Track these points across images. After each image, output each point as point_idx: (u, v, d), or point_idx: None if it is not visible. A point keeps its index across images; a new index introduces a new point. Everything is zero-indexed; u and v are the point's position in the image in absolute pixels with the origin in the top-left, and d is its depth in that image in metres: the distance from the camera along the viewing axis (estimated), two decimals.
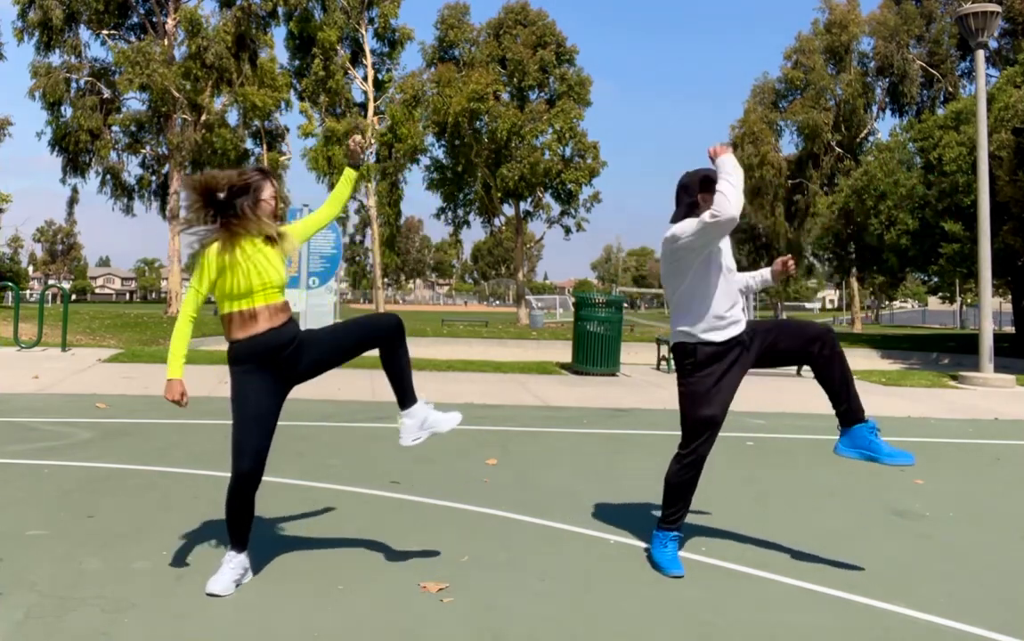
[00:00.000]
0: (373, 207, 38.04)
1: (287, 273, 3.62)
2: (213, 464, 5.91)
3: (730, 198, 3.66)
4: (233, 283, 3.46)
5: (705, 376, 3.90)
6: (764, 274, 4.50)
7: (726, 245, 4.01)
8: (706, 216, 3.73)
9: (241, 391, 3.50)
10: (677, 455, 4.03)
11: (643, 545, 4.39)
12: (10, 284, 16.48)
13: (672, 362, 14.77)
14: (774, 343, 3.98)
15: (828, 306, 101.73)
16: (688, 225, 3.86)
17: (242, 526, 3.55)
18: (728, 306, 3.93)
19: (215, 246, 3.49)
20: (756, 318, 4.76)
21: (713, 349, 3.90)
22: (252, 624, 3.21)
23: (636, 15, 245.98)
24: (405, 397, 3.72)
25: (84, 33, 33.71)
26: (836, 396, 3.94)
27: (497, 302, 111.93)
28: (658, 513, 5.03)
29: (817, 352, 3.90)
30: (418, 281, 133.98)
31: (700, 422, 3.91)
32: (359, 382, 10.79)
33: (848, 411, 3.92)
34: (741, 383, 3.99)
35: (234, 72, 33.06)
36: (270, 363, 3.50)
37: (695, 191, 3.96)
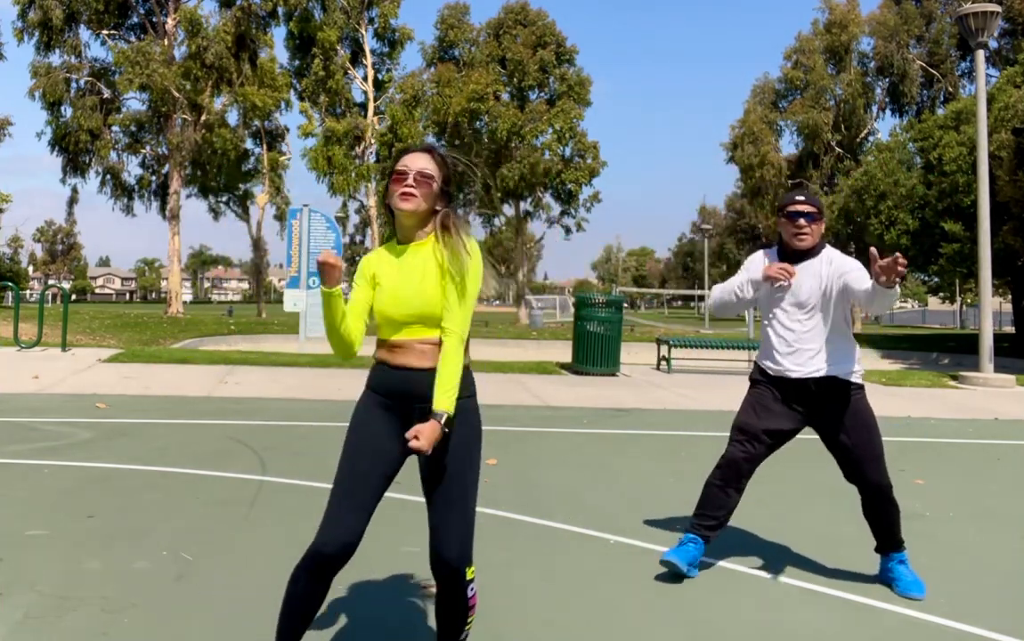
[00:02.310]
0: (373, 207, 38.05)
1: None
2: (213, 464, 5.91)
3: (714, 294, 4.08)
4: None
5: (753, 389, 4.00)
6: (868, 283, 3.69)
7: (795, 287, 3.84)
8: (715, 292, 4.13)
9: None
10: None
11: (643, 545, 4.39)
12: (10, 284, 16.47)
13: (671, 362, 14.83)
14: (833, 442, 3.84)
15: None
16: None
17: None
18: (777, 345, 3.89)
19: None
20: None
21: (763, 371, 3.95)
22: (252, 624, 3.21)
23: (636, 14, 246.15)
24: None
25: (84, 33, 33.74)
26: (872, 526, 3.97)
27: (497, 302, 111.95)
28: (658, 513, 5.04)
29: (866, 501, 3.91)
30: None
31: (734, 425, 3.96)
32: (359, 381, 10.75)
33: (879, 545, 3.97)
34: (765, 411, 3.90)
35: (234, 72, 33.06)
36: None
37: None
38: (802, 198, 3.84)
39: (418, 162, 2.54)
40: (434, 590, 3.57)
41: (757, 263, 3.97)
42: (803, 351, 3.80)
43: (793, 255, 3.84)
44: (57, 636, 3.05)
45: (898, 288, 3.52)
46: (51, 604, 3.32)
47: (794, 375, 3.81)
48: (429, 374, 2.49)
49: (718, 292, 4.08)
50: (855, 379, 3.82)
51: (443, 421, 2.42)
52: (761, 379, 3.94)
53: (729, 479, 3.88)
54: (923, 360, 21.35)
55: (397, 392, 2.55)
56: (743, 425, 3.90)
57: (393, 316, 2.53)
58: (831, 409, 3.80)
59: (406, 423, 2.51)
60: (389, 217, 2.64)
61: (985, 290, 14.56)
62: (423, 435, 2.37)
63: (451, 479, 2.52)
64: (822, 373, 3.78)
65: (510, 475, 5.99)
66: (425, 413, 2.46)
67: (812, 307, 3.80)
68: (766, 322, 3.94)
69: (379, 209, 37.67)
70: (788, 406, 3.86)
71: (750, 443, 3.86)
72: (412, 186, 2.50)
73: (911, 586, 3.79)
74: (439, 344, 2.49)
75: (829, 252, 3.86)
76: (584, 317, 13.56)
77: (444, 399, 2.43)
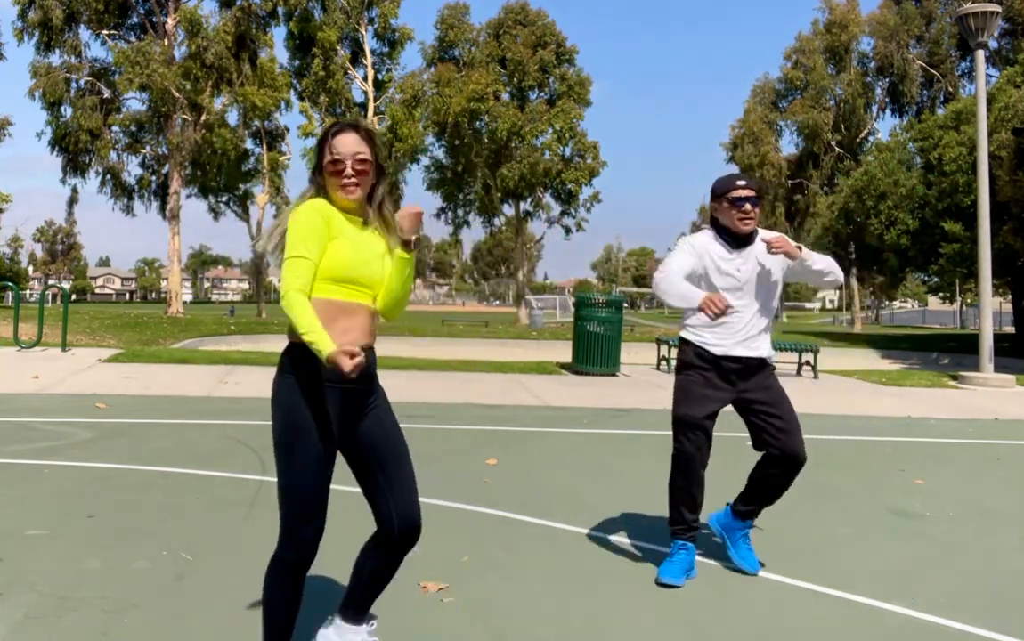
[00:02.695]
0: None
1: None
2: (213, 464, 5.91)
3: (661, 282, 3.75)
4: None
5: (691, 375, 3.87)
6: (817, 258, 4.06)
7: (741, 263, 3.81)
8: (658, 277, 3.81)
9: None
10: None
11: (643, 545, 4.39)
12: (10, 284, 16.47)
13: (672, 362, 14.82)
14: (762, 414, 3.81)
15: (828, 306, 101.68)
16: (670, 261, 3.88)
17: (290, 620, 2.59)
18: (735, 324, 3.80)
19: None
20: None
21: (704, 353, 3.83)
22: (252, 624, 3.21)
23: (636, 14, 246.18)
24: (360, 612, 2.77)
25: (84, 33, 33.73)
26: (754, 499, 3.95)
27: (497, 302, 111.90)
28: (658, 513, 5.03)
29: (780, 471, 3.84)
30: (418, 281, 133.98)
31: (680, 418, 3.85)
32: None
33: (745, 513, 4.00)
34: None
35: (234, 72, 33.06)
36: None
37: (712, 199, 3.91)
38: (744, 182, 3.78)
39: (351, 146, 2.49)
40: (433, 590, 3.58)
41: (703, 247, 3.84)
42: (743, 332, 3.79)
43: (735, 239, 3.80)
44: (57, 636, 3.05)
45: (811, 262, 3.79)
46: (51, 604, 3.32)
47: (737, 354, 3.78)
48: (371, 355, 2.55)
49: (667, 284, 3.74)
50: (774, 358, 3.96)
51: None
52: (697, 362, 3.83)
53: (691, 477, 3.84)
54: (923, 360, 21.35)
55: (359, 376, 2.35)
56: (688, 418, 3.80)
57: (357, 277, 2.49)
58: (763, 386, 3.83)
59: (349, 406, 2.53)
60: (321, 192, 2.54)
61: (985, 290, 14.56)
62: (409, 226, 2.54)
63: (396, 439, 2.64)
64: (760, 353, 3.82)
65: (510, 475, 5.99)
66: (366, 395, 2.58)
67: (754, 290, 3.81)
68: None
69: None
70: (721, 387, 3.81)
71: (696, 433, 3.80)
72: (353, 177, 2.49)
73: (751, 561, 3.95)
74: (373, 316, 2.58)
75: (762, 234, 3.88)
76: (584, 317, 13.56)
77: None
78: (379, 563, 2.69)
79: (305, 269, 2.39)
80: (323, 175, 2.52)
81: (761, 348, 3.84)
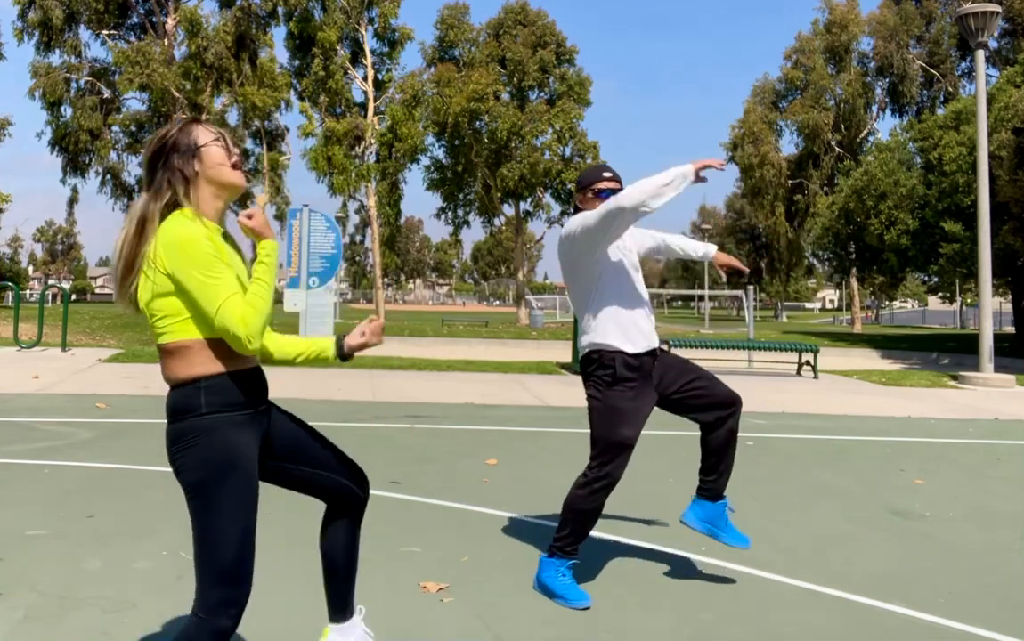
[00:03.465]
0: (373, 207, 38.03)
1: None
2: None
3: (632, 189, 3.30)
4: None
5: (625, 391, 3.53)
6: (702, 250, 4.13)
7: (631, 243, 3.74)
8: (608, 203, 3.38)
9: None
10: (587, 478, 3.64)
11: (643, 545, 4.39)
12: (10, 284, 16.47)
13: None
14: (685, 388, 3.63)
15: (828, 306, 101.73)
16: (586, 216, 3.51)
17: None
18: (645, 313, 3.64)
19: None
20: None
21: (631, 360, 3.53)
22: (252, 624, 3.21)
23: (636, 13, 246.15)
24: (347, 603, 2.71)
25: (84, 33, 33.72)
26: (714, 468, 3.73)
27: (497, 302, 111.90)
28: (658, 513, 5.03)
29: (725, 419, 3.65)
30: (418, 281, 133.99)
31: (617, 442, 3.56)
32: (359, 381, 10.78)
33: (714, 489, 3.76)
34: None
35: (234, 72, 33.06)
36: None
37: (577, 192, 3.77)
38: (610, 174, 3.66)
39: (208, 137, 2.26)
40: (433, 590, 3.58)
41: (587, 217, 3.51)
42: (650, 318, 3.67)
43: None
44: (57, 636, 3.05)
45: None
46: (51, 604, 3.32)
47: (655, 345, 3.62)
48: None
49: (640, 186, 3.28)
50: None
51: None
52: (625, 373, 3.51)
53: (604, 502, 3.67)
54: (923, 360, 21.35)
55: (256, 396, 2.28)
56: (629, 440, 3.55)
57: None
58: (666, 366, 3.67)
59: (262, 429, 2.36)
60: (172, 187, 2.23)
61: (985, 290, 14.56)
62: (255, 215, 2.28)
63: (306, 430, 2.60)
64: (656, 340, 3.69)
65: (510, 475, 5.99)
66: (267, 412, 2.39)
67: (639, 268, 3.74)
68: (614, 295, 3.55)
69: (379, 209, 37.71)
70: (649, 392, 3.59)
71: (627, 456, 3.59)
72: (239, 157, 2.30)
73: (740, 537, 3.77)
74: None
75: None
76: None
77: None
78: (348, 535, 2.66)
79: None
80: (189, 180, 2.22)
81: (655, 335, 3.69)
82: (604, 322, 3.54)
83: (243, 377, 2.21)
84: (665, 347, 3.76)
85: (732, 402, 3.65)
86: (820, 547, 4.48)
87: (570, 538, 3.66)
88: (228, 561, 2.14)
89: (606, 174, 3.65)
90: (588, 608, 3.50)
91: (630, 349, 3.52)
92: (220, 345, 2.15)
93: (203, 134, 2.24)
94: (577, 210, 3.72)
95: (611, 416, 3.54)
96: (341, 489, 2.60)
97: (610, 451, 3.56)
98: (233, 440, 2.18)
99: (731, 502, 3.83)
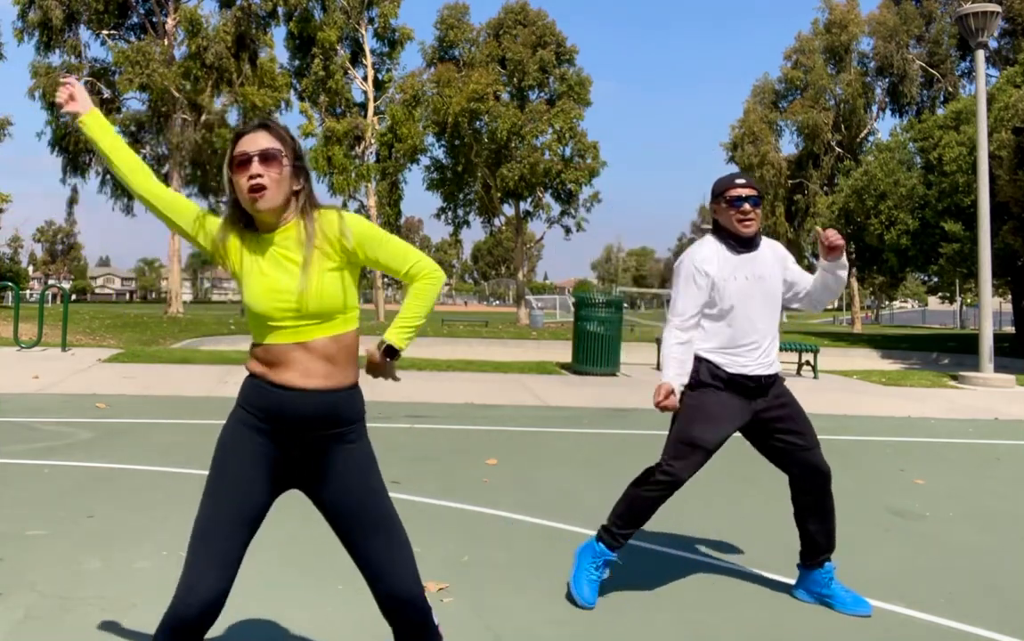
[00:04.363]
0: (373, 207, 38.04)
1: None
2: None
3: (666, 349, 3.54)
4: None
5: (708, 393, 3.53)
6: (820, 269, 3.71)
7: (770, 271, 3.59)
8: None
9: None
10: (651, 469, 3.65)
11: (643, 545, 4.39)
12: (10, 284, 16.48)
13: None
14: (780, 434, 3.57)
15: (828, 306, 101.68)
16: (676, 274, 3.63)
17: None
18: (756, 340, 3.54)
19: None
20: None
21: (720, 373, 3.52)
22: (252, 624, 3.21)
23: (637, 13, 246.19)
24: None
25: (84, 33, 33.73)
26: (814, 541, 3.63)
27: (497, 302, 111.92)
28: (657, 513, 5.02)
29: (808, 489, 3.58)
30: None
31: (685, 440, 3.54)
32: (360, 382, 10.73)
33: (808, 552, 3.67)
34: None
35: (234, 72, 33.06)
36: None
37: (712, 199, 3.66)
38: (743, 181, 3.55)
39: (258, 142, 2.15)
40: (433, 590, 3.57)
41: (704, 267, 3.52)
42: (762, 346, 3.53)
43: (738, 242, 3.54)
44: (57, 636, 3.05)
45: (844, 272, 3.53)
46: (51, 604, 3.32)
47: (757, 373, 3.52)
48: (317, 396, 2.14)
49: (666, 351, 3.56)
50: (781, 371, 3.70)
51: (385, 352, 2.20)
52: (710, 381, 3.52)
53: (665, 495, 3.58)
54: (923, 360, 21.35)
55: (275, 415, 2.14)
56: (699, 440, 3.49)
57: (270, 312, 2.13)
58: (779, 402, 3.58)
59: (284, 455, 2.19)
60: (236, 214, 2.20)
61: (985, 290, 14.56)
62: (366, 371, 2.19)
63: (373, 500, 2.22)
64: (775, 369, 3.58)
65: (510, 475, 5.99)
66: (313, 443, 2.18)
67: (763, 298, 3.54)
68: (722, 314, 3.52)
69: (379, 209, 37.70)
70: (737, 410, 3.52)
71: (699, 459, 3.52)
72: (260, 175, 2.11)
73: (857, 602, 3.56)
74: (332, 353, 2.16)
75: (765, 239, 3.66)
76: (584, 317, 13.56)
77: (395, 330, 2.20)
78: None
79: None
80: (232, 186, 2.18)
81: (774, 363, 3.58)
82: (706, 334, 3.56)
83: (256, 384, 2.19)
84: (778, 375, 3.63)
85: (822, 477, 3.57)
86: None
87: (618, 524, 3.62)
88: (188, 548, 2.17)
89: (738, 182, 3.56)
90: (588, 608, 3.49)
91: (725, 365, 3.52)
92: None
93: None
94: (714, 222, 3.62)
95: (688, 413, 3.54)
96: (376, 578, 2.23)
97: (679, 447, 3.55)
98: (224, 438, 2.22)
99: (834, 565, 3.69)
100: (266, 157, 2.13)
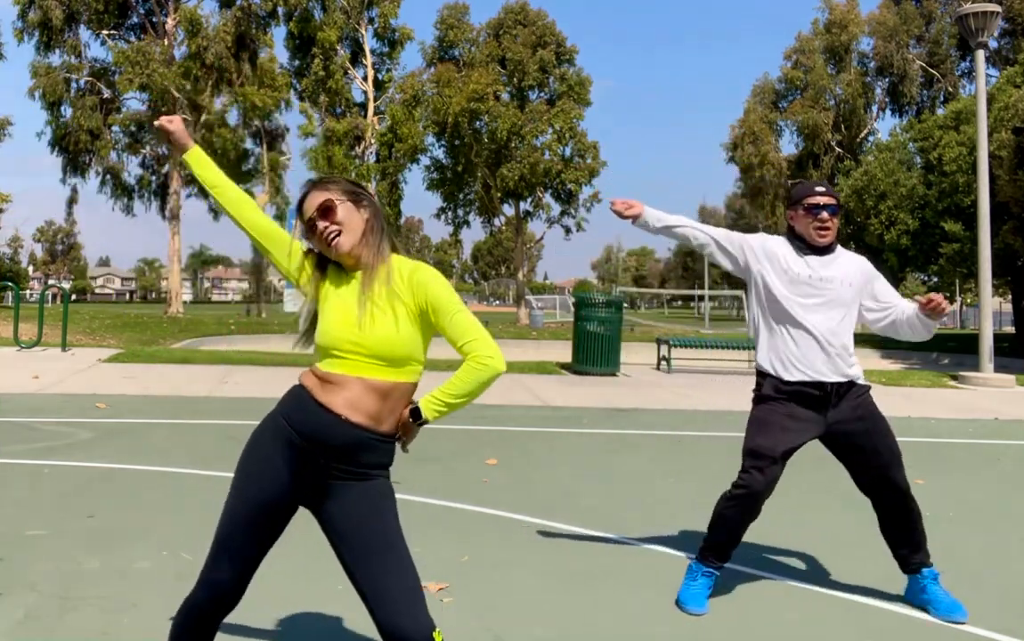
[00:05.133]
0: None
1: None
2: (213, 464, 5.91)
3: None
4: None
5: (770, 406, 3.55)
6: (910, 310, 3.63)
7: (833, 274, 3.55)
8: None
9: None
10: (731, 485, 3.64)
11: (643, 545, 4.39)
12: (10, 284, 16.48)
13: (671, 362, 14.83)
14: (856, 450, 3.56)
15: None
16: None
17: None
18: (816, 346, 3.50)
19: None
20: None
21: (781, 386, 3.52)
22: (252, 624, 3.21)
23: (637, 13, 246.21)
24: None
25: (84, 33, 33.74)
26: (891, 541, 3.65)
27: (497, 302, 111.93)
28: (658, 513, 5.03)
29: (891, 506, 3.58)
30: None
31: (750, 450, 3.55)
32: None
33: (903, 561, 3.65)
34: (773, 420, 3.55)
35: (234, 72, 33.06)
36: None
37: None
38: (823, 188, 3.54)
39: (314, 201, 2.26)
40: (433, 590, 3.58)
41: (764, 246, 3.62)
42: (828, 352, 3.48)
43: (810, 250, 3.54)
44: (57, 636, 3.06)
45: (934, 326, 3.54)
46: (51, 604, 3.32)
47: (820, 379, 3.47)
48: (355, 430, 2.16)
49: (692, 229, 3.71)
50: (863, 380, 3.60)
51: (411, 414, 2.22)
52: (775, 395, 3.53)
53: (748, 507, 3.52)
54: (923, 360, 21.34)
55: (309, 434, 2.17)
56: (763, 450, 3.48)
57: (338, 343, 2.19)
58: (855, 415, 3.53)
59: (310, 472, 2.20)
60: (319, 272, 2.33)
61: (985, 290, 14.55)
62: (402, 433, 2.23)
63: (383, 532, 2.22)
64: (846, 375, 3.52)
65: (510, 475, 5.99)
66: (337, 472, 2.19)
67: (832, 303, 3.50)
68: (786, 322, 3.53)
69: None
70: (806, 418, 3.50)
71: (771, 469, 3.48)
72: (329, 225, 2.22)
73: (951, 608, 3.50)
74: (384, 396, 2.19)
75: (845, 251, 3.65)
76: (584, 317, 13.56)
77: (429, 398, 2.22)
78: None
79: None
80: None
81: (847, 369, 3.52)
82: (763, 346, 3.62)
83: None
84: (856, 385, 3.56)
85: (898, 493, 3.55)
86: (820, 547, 4.48)
87: (710, 547, 3.63)
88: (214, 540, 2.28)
89: (818, 190, 3.55)
90: (700, 614, 3.47)
91: (784, 376, 3.52)
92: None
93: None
94: (789, 228, 3.64)
95: (752, 425, 3.59)
96: (378, 610, 2.21)
97: (745, 459, 3.54)
98: (256, 436, 2.28)
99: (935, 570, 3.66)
100: (324, 211, 2.23)
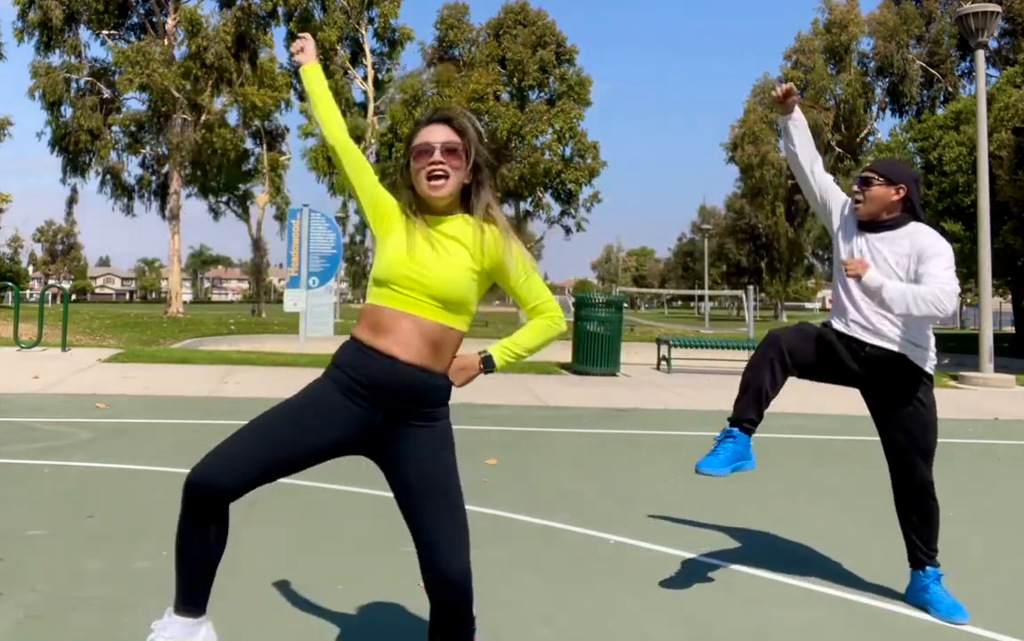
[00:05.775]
0: None
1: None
2: None
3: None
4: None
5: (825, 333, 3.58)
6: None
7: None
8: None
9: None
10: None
11: (643, 545, 4.39)
12: (10, 284, 16.48)
13: (671, 362, 14.81)
14: (885, 426, 3.59)
15: (828, 306, 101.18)
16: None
17: (193, 565, 2.48)
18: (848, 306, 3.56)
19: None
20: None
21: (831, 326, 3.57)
22: (253, 624, 3.21)
23: (637, 13, 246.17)
24: None
25: (84, 33, 33.80)
26: (915, 541, 3.68)
27: (497, 302, 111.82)
28: (658, 513, 5.03)
29: (906, 496, 3.62)
30: None
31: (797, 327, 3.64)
32: None
33: (912, 556, 3.71)
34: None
35: (234, 72, 33.07)
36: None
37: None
38: (870, 163, 3.67)
39: (440, 134, 2.26)
40: None
41: (842, 201, 3.69)
42: (862, 312, 3.47)
43: (864, 222, 3.53)
44: (57, 636, 3.05)
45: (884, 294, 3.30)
46: (51, 604, 3.32)
47: (855, 336, 3.49)
48: (412, 371, 2.19)
49: (806, 138, 3.70)
50: (926, 367, 3.51)
51: (482, 362, 2.34)
52: (830, 331, 3.58)
53: (776, 367, 3.51)
54: None
55: (370, 381, 2.21)
56: (806, 327, 3.58)
57: (399, 277, 2.21)
58: (894, 396, 3.52)
59: (367, 420, 2.24)
60: (412, 196, 2.31)
61: (985, 290, 14.55)
62: (454, 371, 2.30)
63: (443, 477, 2.31)
64: (890, 346, 3.44)
65: (510, 475, 5.99)
66: (399, 415, 2.23)
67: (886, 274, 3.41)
68: (835, 270, 3.66)
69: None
70: (842, 350, 3.49)
71: (800, 339, 3.52)
72: (441, 163, 2.23)
73: (951, 608, 3.53)
74: (435, 342, 2.24)
75: (915, 227, 3.48)
76: (584, 317, 13.56)
77: (501, 347, 2.34)
78: (432, 623, 2.33)
79: None
80: (409, 172, 2.30)
81: (885, 339, 3.43)
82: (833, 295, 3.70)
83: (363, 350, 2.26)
84: (908, 365, 3.49)
85: (915, 486, 3.59)
86: (820, 547, 4.47)
87: (737, 401, 3.63)
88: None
89: (869, 161, 3.64)
90: (712, 475, 3.43)
91: (832, 321, 3.62)
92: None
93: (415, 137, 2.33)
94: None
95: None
96: (429, 556, 2.25)
97: (786, 329, 3.66)
98: (317, 384, 2.31)
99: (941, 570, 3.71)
100: (448, 150, 2.24)
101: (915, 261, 3.39)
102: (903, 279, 3.39)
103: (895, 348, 3.44)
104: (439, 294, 2.21)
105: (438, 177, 2.23)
